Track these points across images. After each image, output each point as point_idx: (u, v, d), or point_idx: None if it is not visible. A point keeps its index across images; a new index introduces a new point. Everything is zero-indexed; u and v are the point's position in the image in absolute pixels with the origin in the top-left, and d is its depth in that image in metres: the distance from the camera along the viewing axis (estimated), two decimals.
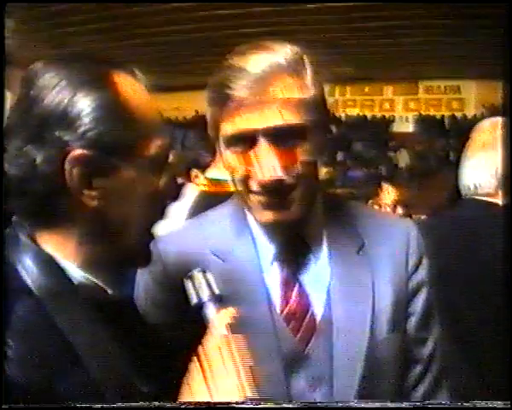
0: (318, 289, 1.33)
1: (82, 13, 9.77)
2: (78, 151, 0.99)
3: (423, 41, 12.43)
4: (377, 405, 1.13)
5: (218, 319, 1.11)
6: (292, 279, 1.33)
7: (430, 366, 1.40)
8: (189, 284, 1.15)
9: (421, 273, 1.40)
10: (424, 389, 1.39)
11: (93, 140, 0.99)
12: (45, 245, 1.04)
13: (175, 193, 1.14)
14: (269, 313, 1.30)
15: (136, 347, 1.10)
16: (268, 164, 1.21)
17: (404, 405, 1.17)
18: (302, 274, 1.33)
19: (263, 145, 1.21)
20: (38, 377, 0.93)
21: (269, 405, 1.07)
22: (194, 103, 15.86)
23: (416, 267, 1.39)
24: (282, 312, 1.31)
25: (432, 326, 1.41)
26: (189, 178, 3.70)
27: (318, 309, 1.32)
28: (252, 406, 1.02)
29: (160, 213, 1.13)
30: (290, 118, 1.21)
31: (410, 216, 3.68)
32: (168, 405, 1.04)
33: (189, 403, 1.03)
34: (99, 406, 0.96)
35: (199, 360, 1.06)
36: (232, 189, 1.37)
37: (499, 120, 2.16)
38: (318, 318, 1.31)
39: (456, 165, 2.27)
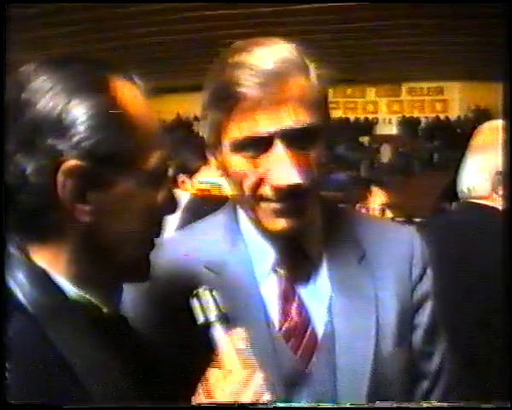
0: (319, 303, 1.26)
1: (64, 13, 9.71)
2: (72, 162, 0.92)
3: (406, 42, 12.51)
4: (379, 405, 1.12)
5: (227, 340, 1.05)
6: (290, 293, 1.25)
7: (437, 382, 1.33)
8: (194, 303, 1.09)
9: (426, 284, 1.33)
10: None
11: (88, 150, 0.92)
12: (37, 260, 0.97)
13: (174, 206, 1.07)
14: (267, 329, 1.23)
15: (135, 366, 1.04)
16: (284, 168, 1.12)
17: (404, 405, 1.13)
18: (301, 287, 1.26)
19: (279, 148, 1.13)
20: (35, 396, 0.87)
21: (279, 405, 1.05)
22: (175, 106, 15.81)
23: (421, 277, 1.33)
24: (280, 328, 1.24)
25: (438, 339, 1.35)
26: (175, 184, 3.62)
27: (319, 324, 1.25)
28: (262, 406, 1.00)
29: (159, 228, 1.06)
30: (305, 119, 1.13)
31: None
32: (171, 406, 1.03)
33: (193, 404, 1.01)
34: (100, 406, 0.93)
35: (206, 383, 1.02)
36: (227, 193, 1.29)
37: (498, 122, 2.16)
38: (320, 334, 1.24)
39: (452, 168, 2.27)
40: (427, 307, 1.33)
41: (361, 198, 3.52)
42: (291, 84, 1.13)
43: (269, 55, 1.13)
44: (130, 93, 0.99)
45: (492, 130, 2.14)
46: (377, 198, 3.55)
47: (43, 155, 0.92)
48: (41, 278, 0.95)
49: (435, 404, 1.31)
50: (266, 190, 1.16)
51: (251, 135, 1.13)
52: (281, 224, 1.18)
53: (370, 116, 18.71)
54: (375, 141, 16.88)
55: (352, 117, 18.64)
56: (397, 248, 1.33)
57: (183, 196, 3.54)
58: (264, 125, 1.12)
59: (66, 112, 0.92)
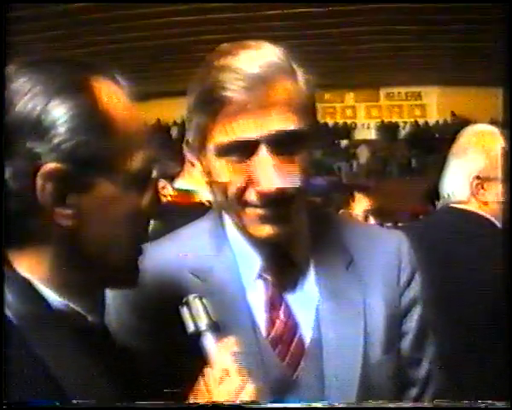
0: (306, 310, 1.24)
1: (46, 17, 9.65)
2: (51, 165, 0.89)
3: (384, 48, 12.59)
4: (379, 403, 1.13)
5: (218, 349, 1.03)
6: (277, 300, 1.23)
7: (426, 389, 1.32)
8: (184, 311, 1.07)
9: (415, 289, 1.32)
10: None
11: (68, 153, 0.90)
12: (20, 269, 0.94)
13: (158, 210, 1.05)
14: (253, 336, 1.21)
15: (120, 374, 1.02)
16: (269, 174, 1.11)
17: (404, 405, 1.14)
18: (288, 294, 1.24)
19: (264, 153, 1.11)
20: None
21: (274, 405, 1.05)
22: (155, 111, 15.74)
23: (409, 283, 1.31)
24: (267, 335, 1.22)
25: (427, 346, 1.33)
26: (157, 190, 3.59)
27: (307, 331, 1.23)
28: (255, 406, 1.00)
29: (145, 232, 1.04)
30: (292, 123, 1.12)
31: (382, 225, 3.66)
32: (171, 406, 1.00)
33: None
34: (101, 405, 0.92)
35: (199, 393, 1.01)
36: (200, 199, 1.27)
37: (478, 127, 2.17)
38: (307, 340, 1.22)
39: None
40: (416, 313, 1.32)
41: (344, 204, 3.49)
42: (277, 89, 1.11)
43: (255, 59, 1.12)
44: (112, 94, 0.97)
45: (473, 134, 2.16)
46: (360, 204, 3.52)
47: (21, 158, 0.90)
48: (24, 289, 0.93)
49: (434, 404, 1.30)
50: (251, 196, 1.14)
51: (236, 139, 1.11)
52: (266, 230, 1.16)
53: (349, 121, 18.79)
54: (353, 146, 16.97)
55: (330, 122, 18.70)
56: (385, 253, 1.32)
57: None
58: (250, 129, 1.10)
59: (45, 113, 0.90)
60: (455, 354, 1.80)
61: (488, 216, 2.06)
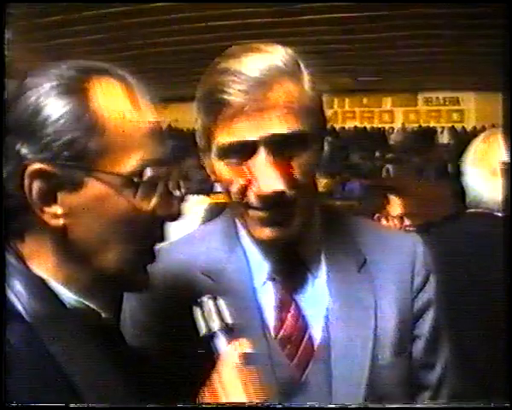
0: (316, 311, 1.24)
1: (79, 23, 9.77)
2: (36, 165, 0.91)
3: (422, 52, 12.45)
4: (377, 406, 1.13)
5: (229, 351, 1.03)
6: (287, 300, 1.23)
7: (439, 393, 1.31)
8: (197, 312, 1.07)
9: (429, 292, 1.31)
10: None
11: (55, 152, 0.91)
12: (34, 267, 0.96)
13: (172, 212, 1.02)
14: (263, 336, 1.21)
15: (135, 376, 1.03)
16: (268, 176, 1.11)
17: (403, 406, 1.13)
18: (298, 295, 1.24)
19: (262, 155, 1.11)
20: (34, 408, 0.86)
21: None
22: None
23: (423, 285, 1.30)
24: (276, 335, 1.22)
25: (440, 349, 1.32)
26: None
27: (316, 332, 1.23)
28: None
29: (155, 234, 1.03)
30: (292, 126, 1.12)
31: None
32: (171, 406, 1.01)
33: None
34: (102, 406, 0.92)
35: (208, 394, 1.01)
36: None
37: (500, 130, 2.13)
38: (316, 342, 1.22)
39: (456, 176, 2.24)
40: (429, 316, 1.30)
41: (379, 208, 3.44)
42: (277, 92, 1.11)
43: (255, 62, 1.12)
44: (110, 94, 0.96)
45: (498, 136, 2.11)
46: (395, 207, 3.48)
47: (12, 160, 0.92)
48: (38, 287, 0.94)
49: (434, 404, 1.30)
50: (251, 198, 1.15)
51: (235, 142, 1.12)
52: (266, 233, 1.17)
53: (387, 126, 18.62)
54: (391, 151, 16.80)
55: (368, 126, 18.58)
56: (399, 255, 1.31)
57: (200, 203, 3.57)
58: (248, 131, 1.11)
59: (35, 114, 0.92)
60: (475, 360, 1.78)
61: None
